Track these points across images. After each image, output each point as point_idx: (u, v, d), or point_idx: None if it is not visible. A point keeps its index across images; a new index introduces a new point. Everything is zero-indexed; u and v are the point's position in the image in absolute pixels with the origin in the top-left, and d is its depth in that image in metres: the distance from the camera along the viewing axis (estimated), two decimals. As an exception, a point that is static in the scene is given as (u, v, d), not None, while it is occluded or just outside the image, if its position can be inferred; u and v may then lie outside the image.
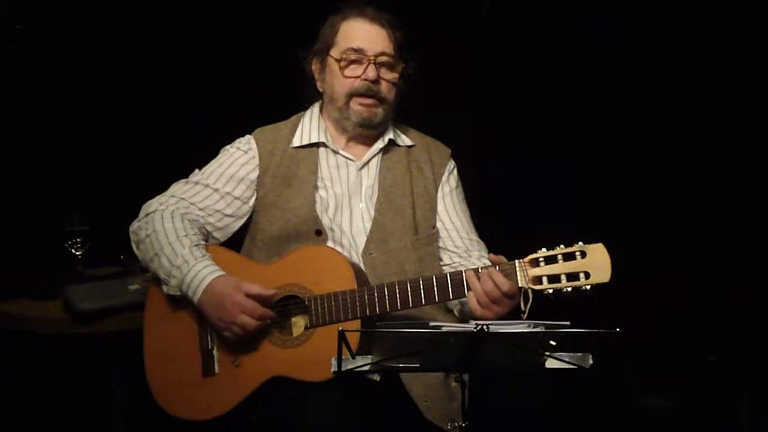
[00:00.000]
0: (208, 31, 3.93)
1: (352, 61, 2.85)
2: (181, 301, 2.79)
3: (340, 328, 2.25)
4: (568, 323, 2.25)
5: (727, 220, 3.86)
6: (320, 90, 2.95)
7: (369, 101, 2.86)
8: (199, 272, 2.73)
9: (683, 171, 3.92)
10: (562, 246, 2.55)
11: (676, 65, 3.90)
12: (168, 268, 2.76)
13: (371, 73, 2.84)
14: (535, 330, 2.25)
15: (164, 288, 2.80)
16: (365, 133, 2.91)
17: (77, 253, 3.49)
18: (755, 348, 3.85)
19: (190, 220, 2.84)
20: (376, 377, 2.73)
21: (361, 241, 2.85)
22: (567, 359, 2.32)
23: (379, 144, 2.93)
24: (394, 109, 2.93)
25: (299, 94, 3.00)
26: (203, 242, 2.83)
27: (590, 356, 2.31)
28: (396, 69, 2.88)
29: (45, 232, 3.57)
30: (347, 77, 2.85)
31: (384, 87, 2.87)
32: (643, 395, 4.04)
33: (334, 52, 2.87)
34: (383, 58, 2.85)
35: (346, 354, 2.28)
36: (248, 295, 2.69)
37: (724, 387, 3.90)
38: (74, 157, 3.85)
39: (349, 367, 2.30)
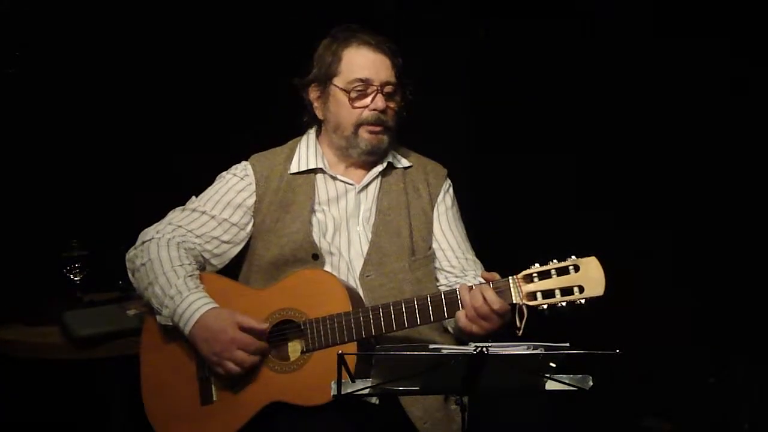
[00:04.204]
0: (204, 61, 3.94)
1: (360, 92, 2.84)
2: (177, 330, 2.78)
3: (340, 352, 2.25)
4: (567, 345, 2.25)
5: (727, 240, 3.86)
6: (320, 117, 2.94)
7: (377, 128, 2.86)
8: (192, 304, 2.72)
9: (687, 188, 3.92)
10: (555, 260, 2.56)
11: (676, 83, 3.92)
12: (161, 298, 2.76)
13: (380, 103, 2.84)
14: (534, 352, 2.24)
15: (157, 318, 2.79)
16: (369, 159, 2.92)
17: (75, 278, 3.49)
18: (755, 369, 3.85)
19: (186, 248, 2.83)
20: (375, 400, 2.72)
21: (359, 264, 2.84)
22: (567, 381, 2.31)
23: (379, 168, 2.93)
24: (396, 134, 2.93)
25: (295, 119, 3.00)
26: (198, 272, 2.82)
27: (590, 378, 2.31)
28: (398, 96, 2.89)
29: (43, 257, 3.57)
30: (357, 107, 2.85)
31: (390, 115, 2.87)
32: (642, 417, 4.03)
33: (339, 82, 2.86)
34: (389, 88, 2.85)
35: (345, 377, 2.27)
36: (243, 329, 2.69)
37: (724, 408, 3.89)
38: (73, 182, 3.85)
39: (349, 390, 2.29)
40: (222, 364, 2.70)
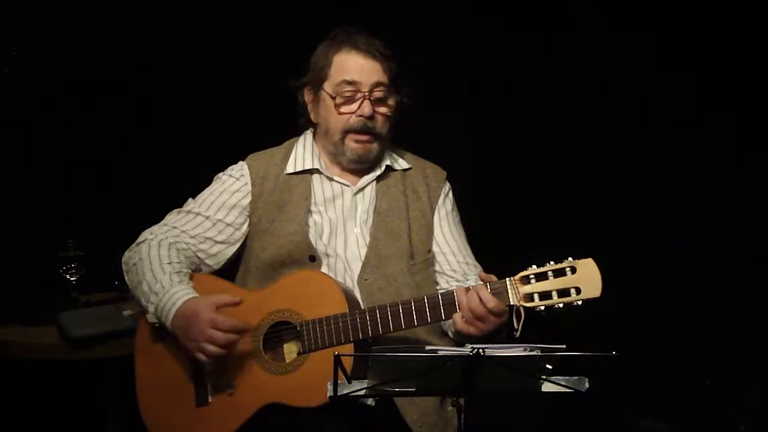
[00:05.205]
0: (203, 62, 3.93)
1: (347, 97, 2.82)
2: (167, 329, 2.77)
3: (336, 353, 2.24)
4: (564, 346, 2.25)
5: (726, 241, 3.86)
6: (314, 121, 2.92)
7: (364, 138, 2.84)
8: (172, 296, 2.71)
9: (686, 189, 3.92)
10: (552, 262, 2.55)
11: (674, 85, 3.92)
12: (147, 295, 2.75)
13: (366, 109, 2.81)
14: (531, 353, 2.24)
15: (147, 317, 2.78)
16: (359, 167, 2.90)
17: (72, 279, 3.48)
18: (751, 372, 3.84)
19: (178, 249, 2.83)
20: (371, 402, 2.71)
21: (357, 267, 2.83)
22: (563, 383, 2.31)
23: (376, 171, 2.91)
24: (390, 140, 2.91)
25: (293, 119, 2.99)
26: (187, 270, 2.81)
27: (586, 380, 2.31)
28: (390, 100, 2.86)
29: (39, 258, 3.57)
30: (342, 113, 2.83)
31: (379, 122, 2.84)
32: (640, 419, 4.02)
33: (328, 86, 2.84)
34: (378, 92, 2.82)
35: (341, 379, 2.27)
36: (218, 306, 2.67)
37: (720, 411, 3.89)
38: (69, 182, 3.85)
39: (345, 391, 2.29)
40: (200, 348, 2.66)
